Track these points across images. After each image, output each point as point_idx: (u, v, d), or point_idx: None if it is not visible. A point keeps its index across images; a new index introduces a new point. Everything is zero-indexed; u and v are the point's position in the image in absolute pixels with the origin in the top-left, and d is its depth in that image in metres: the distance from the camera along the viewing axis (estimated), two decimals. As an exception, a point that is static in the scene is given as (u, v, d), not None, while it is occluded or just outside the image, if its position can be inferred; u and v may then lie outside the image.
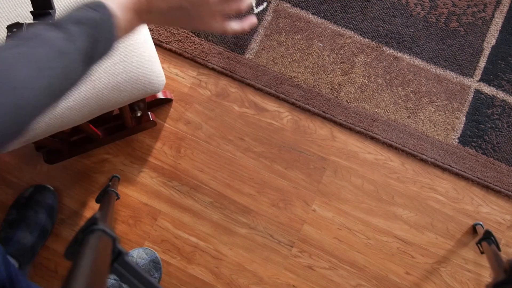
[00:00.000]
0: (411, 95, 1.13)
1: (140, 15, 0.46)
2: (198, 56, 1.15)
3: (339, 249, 1.04)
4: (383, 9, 1.19)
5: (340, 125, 1.11)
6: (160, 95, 1.08)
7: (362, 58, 1.15)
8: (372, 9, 1.19)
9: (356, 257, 1.03)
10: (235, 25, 0.50)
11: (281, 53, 1.15)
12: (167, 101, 1.12)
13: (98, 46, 0.40)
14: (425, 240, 1.04)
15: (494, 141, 1.10)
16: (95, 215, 0.46)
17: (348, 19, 1.18)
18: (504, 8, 1.18)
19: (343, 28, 1.17)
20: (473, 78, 1.14)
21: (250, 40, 1.16)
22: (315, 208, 1.06)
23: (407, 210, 1.06)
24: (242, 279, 1.02)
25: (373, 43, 1.16)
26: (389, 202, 1.06)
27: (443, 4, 1.19)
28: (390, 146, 1.10)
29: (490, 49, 1.16)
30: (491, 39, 1.16)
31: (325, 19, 1.18)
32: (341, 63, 1.15)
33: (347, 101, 1.12)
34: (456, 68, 1.15)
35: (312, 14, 1.18)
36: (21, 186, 1.06)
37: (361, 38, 1.17)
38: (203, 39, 1.16)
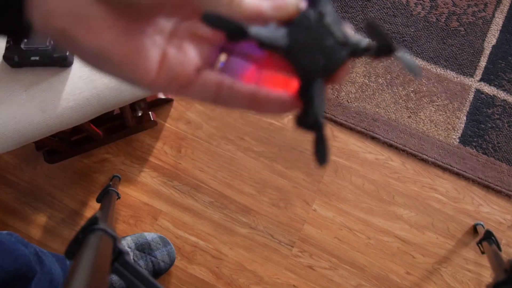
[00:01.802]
0: (412, 94, 1.13)
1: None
2: (199, 56, 1.15)
3: (339, 249, 1.04)
4: (384, 8, 1.19)
5: (340, 124, 1.11)
6: (161, 95, 1.08)
7: (363, 57, 1.15)
8: (373, 8, 1.19)
9: (357, 257, 1.03)
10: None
11: (282, 53, 1.15)
12: (168, 101, 1.12)
13: None
14: (425, 240, 1.04)
15: (494, 141, 1.09)
16: (95, 215, 0.46)
17: (348, 18, 1.18)
18: (504, 7, 1.18)
19: (344, 28, 1.17)
20: (473, 78, 1.14)
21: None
22: (315, 207, 1.06)
23: (407, 210, 1.06)
24: (243, 279, 1.02)
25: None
26: (389, 202, 1.06)
27: (444, 4, 1.19)
28: (390, 146, 1.10)
29: (490, 48, 1.16)
30: (491, 39, 1.16)
31: (326, 18, 1.18)
32: (341, 62, 1.15)
33: (347, 101, 1.12)
34: (456, 68, 1.14)
35: (313, 13, 1.18)
36: (21, 186, 1.06)
37: (361, 38, 1.17)
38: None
